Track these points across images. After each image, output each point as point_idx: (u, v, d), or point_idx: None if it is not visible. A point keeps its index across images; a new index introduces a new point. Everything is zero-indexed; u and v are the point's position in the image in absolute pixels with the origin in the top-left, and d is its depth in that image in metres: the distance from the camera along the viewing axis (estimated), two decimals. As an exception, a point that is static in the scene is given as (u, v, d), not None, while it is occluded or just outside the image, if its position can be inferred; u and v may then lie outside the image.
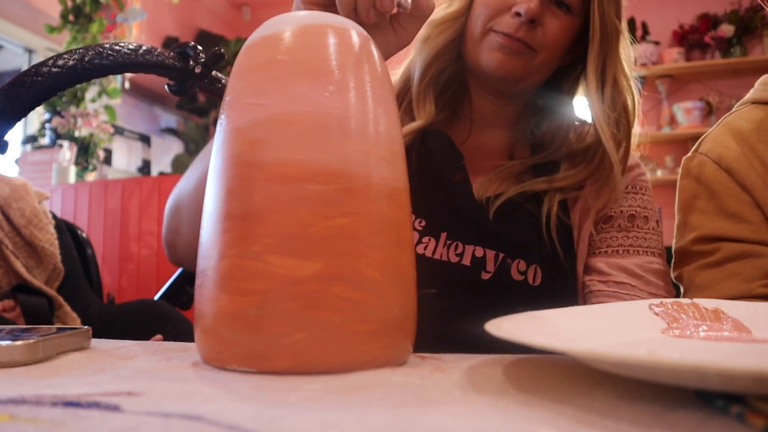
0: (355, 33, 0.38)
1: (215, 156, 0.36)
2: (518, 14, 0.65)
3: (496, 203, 0.68)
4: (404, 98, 0.74)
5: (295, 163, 0.33)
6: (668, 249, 0.74)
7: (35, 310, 1.16)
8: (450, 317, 0.62)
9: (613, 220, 0.71)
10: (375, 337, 0.32)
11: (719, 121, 0.77)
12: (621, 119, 0.69)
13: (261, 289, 0.32)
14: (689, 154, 0.76)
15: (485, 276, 0.65)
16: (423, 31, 0.72)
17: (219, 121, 0.37)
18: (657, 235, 0.72)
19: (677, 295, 0.75)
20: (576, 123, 0.75)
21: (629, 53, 0.71)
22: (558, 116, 0.75)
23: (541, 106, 0.77)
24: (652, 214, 0.72)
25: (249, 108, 0.35)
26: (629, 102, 0.70)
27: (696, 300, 0.40)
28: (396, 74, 0.78)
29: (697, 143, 0.76)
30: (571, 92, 0.76)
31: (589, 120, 0.71)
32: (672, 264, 0.74)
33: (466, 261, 0.65)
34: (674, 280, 0.75)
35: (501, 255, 0.65)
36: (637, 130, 0.72)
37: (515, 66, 0.67)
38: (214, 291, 0.33)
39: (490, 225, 0.67)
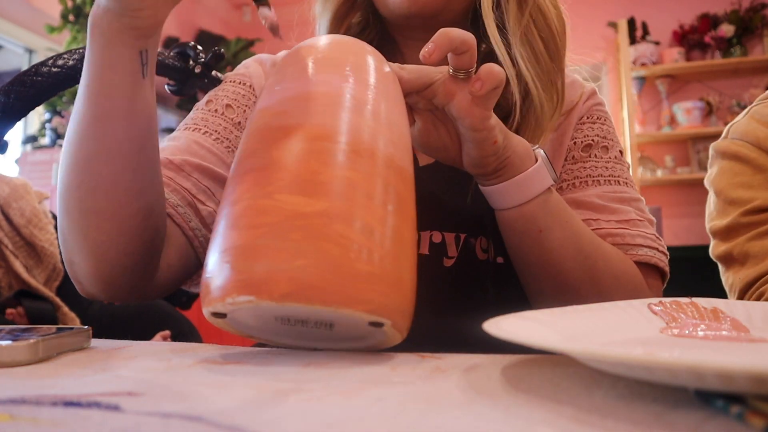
0: (371, 48, 0.46)
1: (243, 137, 0.41)
2: None
3: (441, 169, 0.60)
4: None
5: (313, 126, 0.37)
6: (683, 248, 0.73)
7: (41, 315, 1.16)
8: (416, 313, 0.57)
9: (565, 152, 0.64)
10: (371, 279, 0.33)
11: (744, 111, 0.77)
12: (549, 42, 0.61)
13: (268, 222, 0.34)
14: (719, 140, 0.76)
15: (448, 263, 0.59)
16: None
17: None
18: (621, 165, 0.64)
19: (713, 275, 0.74)
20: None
21: None
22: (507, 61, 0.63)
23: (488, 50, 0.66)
24: (612, 144, 0.65)
25: (277, 92, 0.41)
26: (554, 21, 0.62)
27: (694, 299, 0.40)
28: None
29: (725, 131, 0.76)
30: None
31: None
32: (712, 245, 0.73)
33: (424, 250, 0.59)
34: (717, 259, 0.73)
35: (462, 236, 0.59)
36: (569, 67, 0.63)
37: None
38: (225, 230, 0.35)
39: (442, 201, 0.60)
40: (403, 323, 0.36)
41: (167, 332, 1.20)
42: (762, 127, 0.72)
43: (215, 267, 0.34)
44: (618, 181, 0.62)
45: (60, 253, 1.36)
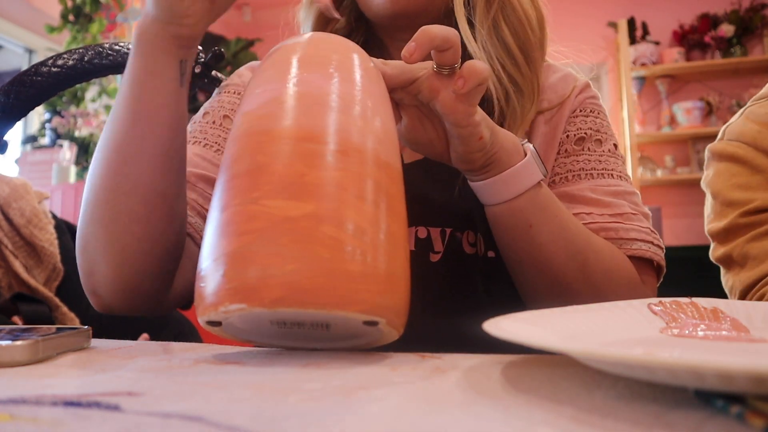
0: (354, 45, 0.44)
1: (228, 141, 0.40)
2: None
3: (427, 166, 0.60)
4: None
5: (297, 127, 0.37)
6: (683, 248, 0.73)
7: (37, 318, 1.16)
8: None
9: (557, 146, 0.63)
10: (363, 280, 0.33)
11: (739, 112, 0.76)
12: (519, 34, 0.61)
13: (257, 228, 0.33)
14: (715, 142, 0.76)
15: (434, 258, 0.59)
16: None
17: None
18: (615, 158, 0.63)
19: (713, 275, 0.73)
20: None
21: None
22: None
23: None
24: (606, 137, 0.64)
25: (259, 94, 0.39)
26: (526, 12, 0.62)
27: (694, 299, 0.40)
28: None
29: (721, 133, 0.76)
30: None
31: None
32: (712, 247, 0.73)
33: (410, 246, 0.58)
34: (717, 261, 0.72)
35: (448, 230, 0.59)
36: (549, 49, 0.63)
37: None
38: (215, 237, 0.35)
39: (428, 197, 0.59)
40: (398, 320, 0.36)
41: (146, 335, 1.20)
42: (758, 126, 0.71)
43: (207, 275, 0.34)
44: (612, 175, 0.61)
45: (60, 253, 1.36)
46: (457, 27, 0.61)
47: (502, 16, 0.62)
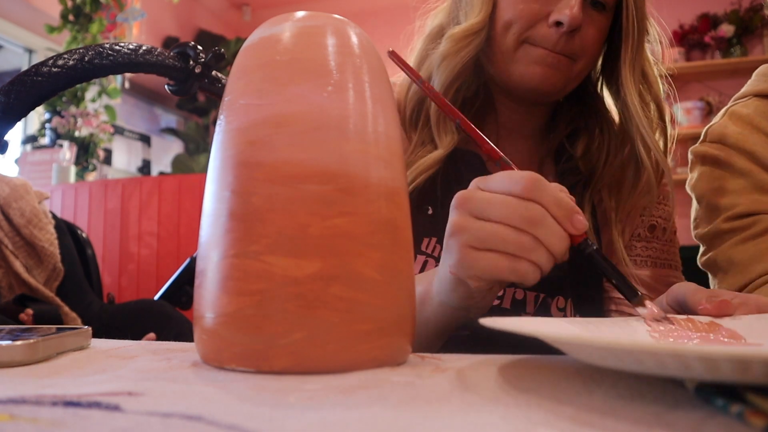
0: (354, 33, 0.38)
1: (215, 156, 0.36)
2: (558, 23, 0.60)
3: None
4: (419, 113, 0.69)
5: (294, 163, 0.33)
6: (683, 248, 0.74)
7: (47, 318, 1.16)
8: None
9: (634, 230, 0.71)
10: (373, 336, 0.32)
11: (721, 112, 0.76)
12: (655, 113, 0.68)
13: (260, 289, 0.32)
14: (698, 144, 0.75)
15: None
16: (444, 47, 0.66)
17: (218, 122, 0.37)
18: (674, 247, 0.72)
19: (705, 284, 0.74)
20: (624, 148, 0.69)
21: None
22: (595, 132, 0.70)
23: (573, 116, 0.73)
24: (670, 225, 0.72)
25: (247, 109, 0.35)
26: (660, 93, 0.68)
27: (691, 316, 0.40)
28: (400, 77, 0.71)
29: (703, 134, 0.75)
30: (595, 96, 0.72)
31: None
32: (699, 252, 0.74)
33: (506, 304, 0.63)
34: (703, 267, 0.73)
35: (541, 295, 0.63)
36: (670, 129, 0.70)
37: (557, 78, 0.63)
38: (213, 291, 0.34)
39: None
40: (405, 355, 0.36)
41: (152, 335, 1.20)
42: (739, 128, 0.70)
43: (209, 328, 0.33)
44: (670, 266, 0.70)
45: (60, 253, 1.36)
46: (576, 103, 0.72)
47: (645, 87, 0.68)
